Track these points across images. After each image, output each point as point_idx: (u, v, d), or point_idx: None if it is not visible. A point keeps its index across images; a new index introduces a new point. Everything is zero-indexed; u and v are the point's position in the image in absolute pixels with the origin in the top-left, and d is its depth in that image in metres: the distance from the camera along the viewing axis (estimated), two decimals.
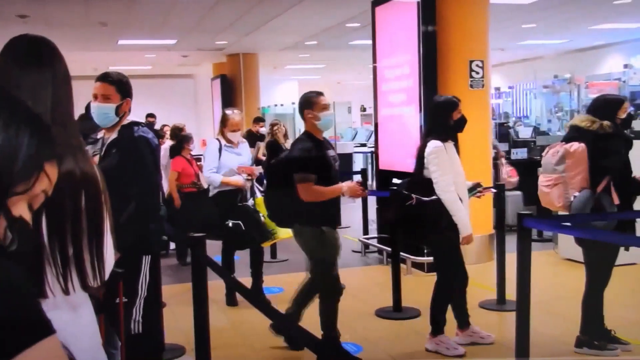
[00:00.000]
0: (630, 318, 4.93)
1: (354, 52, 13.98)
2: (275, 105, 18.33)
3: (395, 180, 6.53)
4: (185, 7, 9.67)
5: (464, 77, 6.57)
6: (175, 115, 13.43)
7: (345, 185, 4.11)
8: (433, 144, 4.14)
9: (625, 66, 12.39)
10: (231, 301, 5.51)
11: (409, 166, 6.62)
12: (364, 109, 19.05)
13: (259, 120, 10.45)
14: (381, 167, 7.36)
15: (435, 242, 4.35)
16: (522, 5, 9.94)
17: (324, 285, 4.12)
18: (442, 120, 4.23)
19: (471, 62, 6.60)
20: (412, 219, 4.20)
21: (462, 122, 4.28)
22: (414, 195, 4.14)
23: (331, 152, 4.20)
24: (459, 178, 4.22)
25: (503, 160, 8.32)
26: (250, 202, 5.43)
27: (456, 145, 4.30)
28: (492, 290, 5.32)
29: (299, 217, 4.08)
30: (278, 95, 21.29)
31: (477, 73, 6.61)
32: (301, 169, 3.96)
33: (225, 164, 5.44)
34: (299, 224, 4.12)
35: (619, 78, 11.54)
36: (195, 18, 10.54)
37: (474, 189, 4.51)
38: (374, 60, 7.42)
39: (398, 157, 6.88)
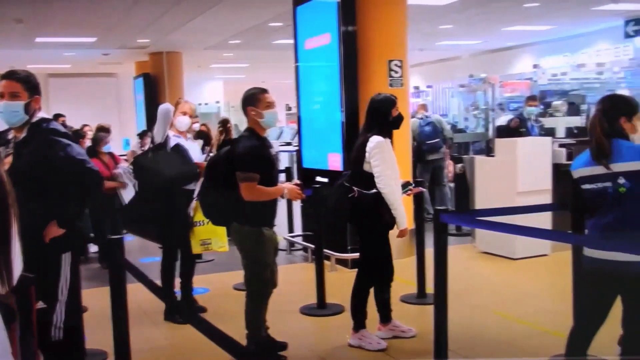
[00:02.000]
0: (541, 307, 5.20)
1: (277, 51, 14.01)
2: (200, 104, 18.11)
3: (319, 178, 6.62)
4: (104, 5, 9.44)
5: (384, 77, 6.70)
6: (96, 115, 13.11)
7: (286, 186, 4.11)
8: (376, 139, 4.22)
9: (535, 66, 13.00)
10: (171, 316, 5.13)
11: (331, 164, 6.74)
12: (289, 108, 19.03)
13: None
14: (304, 165, 7.42)
15: (369, 235, 4.41)
16: (438, 6, 10.25)
17: (255, 285, 4.09)
18: (382, 117, 4.32)
19: (390, 61, 6.74)
20: (352, 211, 4.29)
21: (400, 119, 4.40)
22: (355, 188, 4.24)
23: (273, 151, 4.19)
24: (395, 174, 4.33)
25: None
26: (192, 204, 5.04)
27: (391, 143, 4.40)
28: (413, 285, 5.48)
29: (237, 215, 4.02)
30: (203, 94, 21.07)
31: (396, 72, 6.76)
32: (246, 168, 3.87)
33: None
34: (238, 223, 4.05)
35: (530, 78, 12.13)
36: (115, 16, 10.30)
37: (405, 187, 4.64)
38: (296, 60, 7.48)
39: (320, 155, 6.97)
